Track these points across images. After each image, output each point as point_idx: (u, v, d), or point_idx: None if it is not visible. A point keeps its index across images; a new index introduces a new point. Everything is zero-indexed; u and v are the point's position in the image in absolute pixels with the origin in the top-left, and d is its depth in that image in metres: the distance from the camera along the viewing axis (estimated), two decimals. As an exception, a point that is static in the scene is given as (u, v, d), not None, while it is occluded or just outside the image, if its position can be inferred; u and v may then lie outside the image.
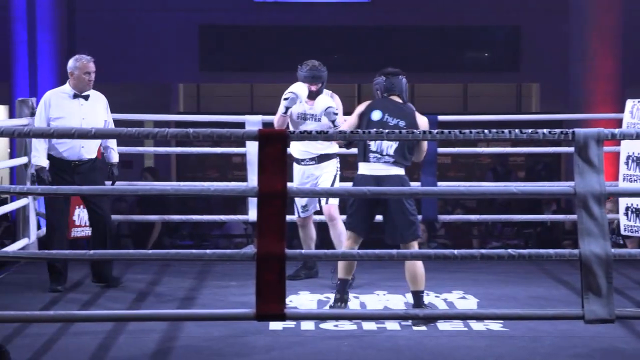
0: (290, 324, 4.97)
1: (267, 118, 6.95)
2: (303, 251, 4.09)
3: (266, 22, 13.33)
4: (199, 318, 4.52)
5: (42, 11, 11.80)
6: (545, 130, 3.91)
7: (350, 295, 5.73)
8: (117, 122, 6.05)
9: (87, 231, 6.23)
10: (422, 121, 5.23)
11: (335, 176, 5.99)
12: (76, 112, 5.72)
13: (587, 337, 4.76)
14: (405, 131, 4.31)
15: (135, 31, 12.06)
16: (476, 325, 5.01)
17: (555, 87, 13.19)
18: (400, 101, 5.27)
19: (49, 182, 5.63)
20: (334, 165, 6.02)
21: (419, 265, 5.13)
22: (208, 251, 4.47)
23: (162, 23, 12.82)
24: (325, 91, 6.00)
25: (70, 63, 5.77)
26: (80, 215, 6.28)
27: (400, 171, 5.15)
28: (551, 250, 3.94)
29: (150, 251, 4.13)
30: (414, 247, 5.18)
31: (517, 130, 3.91)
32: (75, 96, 5.76)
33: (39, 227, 6.65)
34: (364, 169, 5.16)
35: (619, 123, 6.91)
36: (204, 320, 4.80)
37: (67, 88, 5.78)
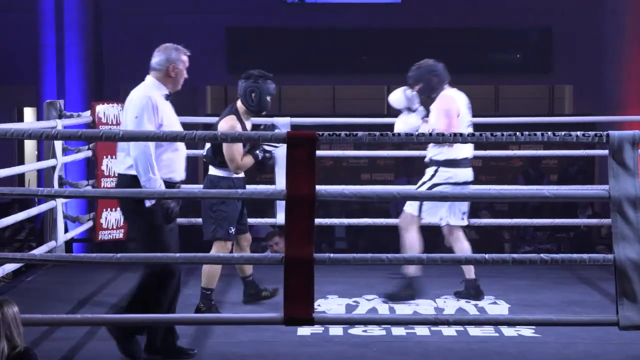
0: (319, 328, 4.91)
1: (296, 120, 6.90)
2: (332, 255, 4.03)
3: (294, 24, 13.30)
4: (227, 322, 4.49)
5: (70, 14, 11.86)
6: (579, 133, 3.84)
7: (379, 300, 5.68)
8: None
9: (115, 234, 6.24)
10: (220, 125, 5.34)
11: (423, 183, 5.73)
12: (173, 117, 4.52)
13: (622, 344, 4.67)
14: (435, 133, 4.24)
15: (162, 33, 12.07)
16: (507, 331, 4.93)
17: (588, 89, 13.04)
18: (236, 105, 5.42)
19: (175, 216, 4.42)
20: (429, 173, 5.74)
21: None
22: (236, 254, 4.43)
23: (189, 25, 12.83)
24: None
25: (172, 54, 4.47)
26: (108, 217, 6.28)
27: (213, 171, 5.33)
28: (585, 255, 3.87)
29: (178, 254, 4.09)
30: (215, 247, 5.30)
31: (549, 132, 3.85)
32: (167, 97, 4.50)
33: (66, 230, 6.65)
34: None
35: (654, 125, 6.80)
36: (232, 324, 4.77)
37: (160, 86, 4.47)
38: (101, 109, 6.60)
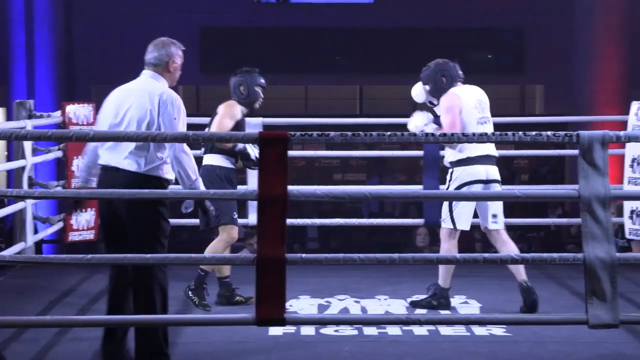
0: (291, 328, 4.91)
1: (268, 120, 6.90)
2: (304, 255, 4.03)
3: (268, 24, 13.28)
4: (198, 323, 4.46)
5: (40, 13, 11.77)
6: (549, 133, 3.86)
7: (351, 300, 5.68)
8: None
9: (85, 235, 6.19)
10: (220, 108, 5.55)
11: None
12: None
13: (591, 343, 4.70)
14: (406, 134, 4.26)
15: (134, 33, 12.02)
16: (479, 330, 4.95)
17: (559, 89, 13.13)
18: None
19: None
20: (448, 177, 5.56)
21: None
22: (207, 255, 4.41)
23: (162, 24, 12.76)
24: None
25: (171, 48, 4.33)
26: (78, 218, 6.24)
27: (208, 159, 5.52)
28: (555, 255, 3.89)
29: (149, 255, 4.06)
30: (223, 232, 5.45)
31: (520, 132, 3.86)
32: None
33: (36, 231, 6.60)
34: None
35: (624, 125, 6.84)
36: (203, 325, 4.73)
37: (162, 81, 4.37)
38: (72, 109, 6.55)
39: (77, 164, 6.45)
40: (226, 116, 5.50)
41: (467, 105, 5.52)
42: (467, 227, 5.50)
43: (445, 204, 5.50)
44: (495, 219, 5.49)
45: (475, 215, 5.54)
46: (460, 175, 5.45)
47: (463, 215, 5.44)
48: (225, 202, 5.45)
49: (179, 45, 4.40)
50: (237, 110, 5.56)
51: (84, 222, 6.37)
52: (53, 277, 6.25)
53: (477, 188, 5.41)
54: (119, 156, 4.21)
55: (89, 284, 6.05)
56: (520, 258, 3.91)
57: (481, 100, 5.62)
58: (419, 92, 5.69)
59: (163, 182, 4.26)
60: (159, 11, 12.97)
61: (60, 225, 6.66)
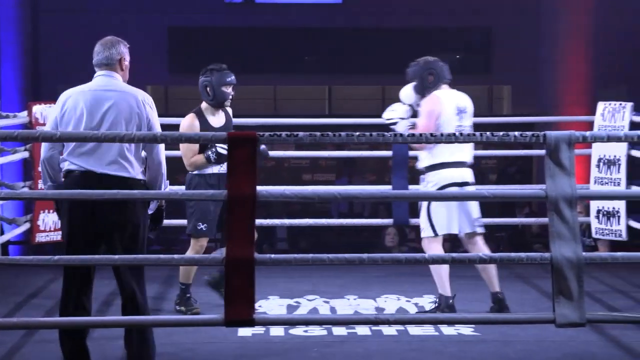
0: (260, 329, 4.90)
1: (237, 120, 6.85)
2: (273, 256, 4.02)
3: (236, 24, 13.25)
4: (166, 324, 4.44)
5: (5, 11, 11.65)
6: (516, 133, 3.88)
7: (320, 300, 5.69)
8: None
9: (53, 236, 6.14)
10: (181, 123, 5.62)
11: None
12: None
13: (559, 342, 4.74)
14: (376, 134, 4.26)
15: (102, 33, 11.88)
16: (447, 330, 4.98)
17: (526, 89, 13.21)
18: None
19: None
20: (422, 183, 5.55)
21: None
22: (176, 256, 4.40)
23: (130, 24, 12.69)
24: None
25: (121, 47, 4.26)
26: (45, 219, 6.19)
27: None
28: (522, 254, 3.91)
29: (117, 256, 4.03)
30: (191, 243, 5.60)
31: (488, 132, 3.88)
32: None
33: (2, 233, 6.54)
34: None
35: (590, 126, 6.91)
36: (171, 326, 4.71)
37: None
38: (38, 109, 6.49)
39: None
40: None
41: (447, 111, 5.44)
42: (449, 230, 5.41)
43: (423, 214, 5.43)
44: (477, 222, 5.46)
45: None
46: (434, 179, 5.41)
47: (441, 220, 5.39)
48: (191, 212, 5.47)
49: (125, 43, 4.29)
50: (196, 123, 5.46)
51: (51, 223, 6.32)
52: (20, 278, 6.20)
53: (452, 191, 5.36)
54: (102, 161, 4.06)
55: (56, 285, 5.99)
56: (489, 258, 3.92)
57: (462, 108, 5.50)
58: (408, 93, 5.62)
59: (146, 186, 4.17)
60: (126, 11, 12.89)
61: (27, 226, 6.60)
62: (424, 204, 5.45)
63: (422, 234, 5.45)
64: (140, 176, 4.12)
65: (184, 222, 5.72)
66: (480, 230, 5.46)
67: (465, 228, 5.44)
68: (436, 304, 5.45)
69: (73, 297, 4.08)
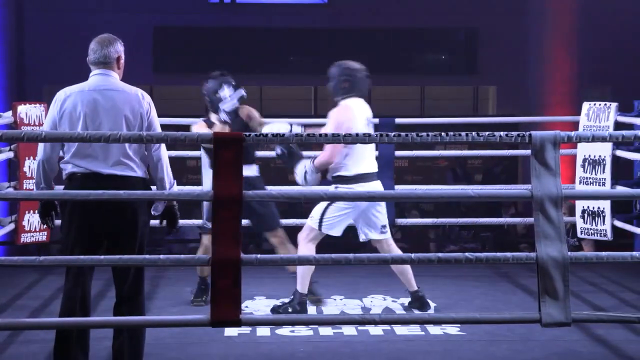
0: (246, 329, 4.90)
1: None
2: (259, 256, 4.01)
3: (221, 24, 13.23)
4: (152, 325, 4.43)
5: (-10, 11, 11.61)
6: (502, 133, 3.89)
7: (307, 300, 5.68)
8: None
9: (38, 236, 6.11)
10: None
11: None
12: None
13: (544, 341, 4.75)
14: (363, 134, 4.26)
15: (87, 32, 11.86)
16: (433, 330, 4.98)
17: (512, 90, 13.25)
18: None
19: None
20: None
21: None
22: (162, 256, 4.38)
23: (115, 24, 12.62)
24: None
25: (118, 45, 4.29)
26: (30, 220, 6.16)
27: None
28: (508, 254, 3.92)
29: (102, 257, 4.02)
30: None
31: (474, 133, 3.89)
32: None
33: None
34: None
35: (575, 126, 6.93)
36: (157, 326, 4.71)
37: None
38: (23, 109, 6.45)
39: (29, 165, 6.36)
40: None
41: (358, 123, 5.36)
42: (332, 233, 5.39)
43: (322, 206, 5.35)
44: (385, 229, 5.49)
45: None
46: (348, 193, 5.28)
47: (331, 221, 5.36)
48: (206, 209, 5.72)
49: (121, 41, 4.29)
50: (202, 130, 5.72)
51: (36, 223, 6.29)
52: (4, 279, 6.17)
53: (358, 207, 5.37)
54: (108, 162, 4.01)
55: (41, 286, 5.98)
56: (475, 258, 3.93)
57: (370, 119, 5.49)
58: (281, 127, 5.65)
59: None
60: (111, 11, 12.84)
61: (11, 226, 6.57)
62: (323, 205, 5.36)
63: (309, 221, 5.39)
64: (144, 175, 4.09)
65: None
66: (386, 236, 5.48)
67: (371, 235, 5.46)
68: (290, 299, 5.39)
69: (78, 298, 4.08)
